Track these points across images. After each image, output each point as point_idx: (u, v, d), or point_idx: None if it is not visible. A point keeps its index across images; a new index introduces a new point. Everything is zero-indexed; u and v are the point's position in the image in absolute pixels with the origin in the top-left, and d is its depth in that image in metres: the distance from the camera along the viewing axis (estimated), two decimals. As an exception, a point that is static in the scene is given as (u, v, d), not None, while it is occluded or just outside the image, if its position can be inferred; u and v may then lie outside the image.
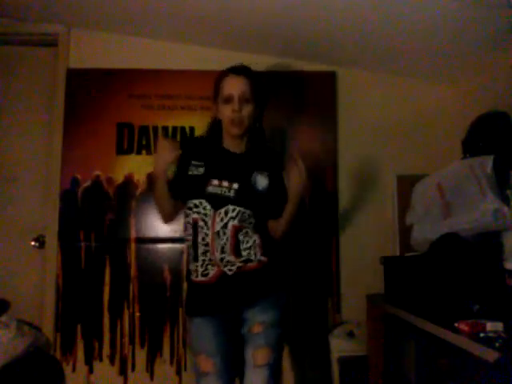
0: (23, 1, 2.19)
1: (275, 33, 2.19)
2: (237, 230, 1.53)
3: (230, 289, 1.53)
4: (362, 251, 2.34)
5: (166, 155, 1.49)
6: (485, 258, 1.57)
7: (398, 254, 2.30)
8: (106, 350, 2.23)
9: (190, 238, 1.57)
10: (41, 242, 2.32)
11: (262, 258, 1.56)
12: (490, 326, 1.32)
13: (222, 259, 1.52)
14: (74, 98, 2.33)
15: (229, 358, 1.53)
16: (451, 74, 2.34)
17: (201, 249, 1.54)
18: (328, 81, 2.43)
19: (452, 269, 1.57)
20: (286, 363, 2.26)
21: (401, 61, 2.32)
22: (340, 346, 2.18)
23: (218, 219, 1.52)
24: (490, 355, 1.16)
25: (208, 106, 2.18)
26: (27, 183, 2.39)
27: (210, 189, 1.54)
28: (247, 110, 1.57)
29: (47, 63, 2.42)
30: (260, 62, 2.40)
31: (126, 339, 2.24)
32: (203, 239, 1.54)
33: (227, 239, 1.52)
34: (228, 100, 1.56)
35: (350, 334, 2.21)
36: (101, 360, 2.23)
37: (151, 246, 2.29)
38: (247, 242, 1.55)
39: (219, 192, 1.54)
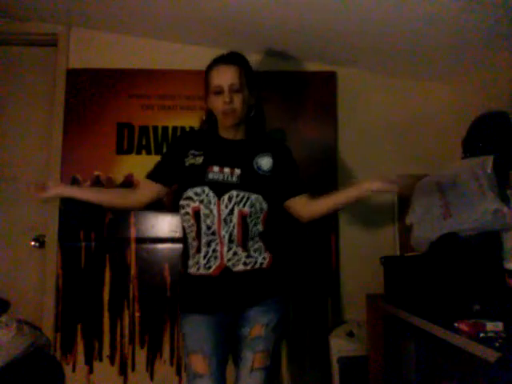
0: (23, 1, 2.19)
1: (275, 33, 2.19)
2: (243, 217, 1.48)
3: (232, 285, 1.48)
4: (362, 251, 2.34)
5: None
6: (485, 257, 1.57)
7: (397, 253, 2.30)
8: (106, 350, 2.23)
9: (193, 228, 1.51)
10: (41, 242, 2.32)
11: (267, 257, 1.53)
12: (490, 326, 1.31)
13: (229, 249, 1.48)
14: (74, 98, 2.33)
15: (224, 359, 1.49)
16: (451, 73, 2.34)
17: (205, 239, 1.48)
18: (328, 81, 2.43)
19: (452, 269, 1.57)
20: (286, 363, 2.26)
21: (401, 61, 2.31)
22: (340, 346, 2.17)
23: (222, 206, 1.47)
24: (490, 355, 1.16)
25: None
26: (27, 183, 2.38)
27: (211, 175, 1.50)
28: (239, 99, 1.53)
29: (47, 63, 2.42)
30: (260, 61, 2.40)
31: (126, 339, 2.24)
32: (208, 228, 1.48)
33: (234, 226, 1.47)
34: (218, 92, 1.52)
35: (350, 334, 2.21)
36: (101, 360, 2.23)
37: (151, 245, 2.29)
38: (255, 231, 1.52)
39: (221, 178, 1.49)
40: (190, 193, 1.50)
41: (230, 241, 1.48)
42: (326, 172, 2.37)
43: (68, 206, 2.28)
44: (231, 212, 1.47)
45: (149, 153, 2.34)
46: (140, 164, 2.31)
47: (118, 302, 2.25)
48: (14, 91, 2.43)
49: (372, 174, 2.36)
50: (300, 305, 2.29)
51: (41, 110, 2.42)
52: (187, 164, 1.55)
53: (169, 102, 2.37)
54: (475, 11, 1.73)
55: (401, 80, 2.47)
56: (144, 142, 2.34)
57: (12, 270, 2.32)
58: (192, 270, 1.51)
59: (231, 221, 1.47)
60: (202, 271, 1.49)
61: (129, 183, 2.30)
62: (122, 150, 2.33)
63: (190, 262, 1.52)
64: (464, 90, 2.35)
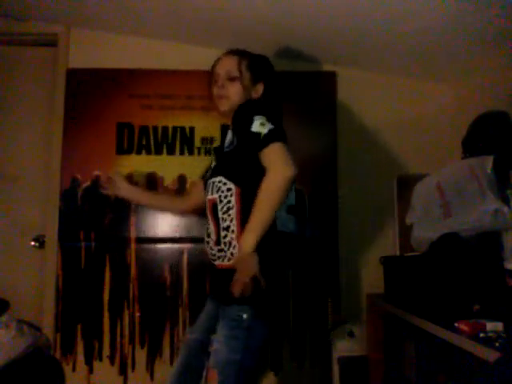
0: (23, 1, 2.19)
1: (275, 33, 2.19)
2: (213, 205, 1.42)
3: (212, 279, 1.55)
4: (362, 251, 2.34)
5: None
6: (485, 258, 1.57)
7: (397, 253, 2.30)
8: (106, 350, 2.23)
9: None
10: (41, 242, 2.32)
11: (234, 254, 1.35)
12: (489, 326, 1.32)
13: (207, 242, 1.47)
14: (74, 97, 2.33)
15: (201, 342, 1.49)
16: (451, 74, 2.34)
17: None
18: (328, 81, 2.43)
19: (452, 269, 1.57)
20: (287, 363, 2.26)
21: (400, 60, 2.32)
22: (340, 346, 2.18)
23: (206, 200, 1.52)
24: (490, 355, 1.16)
25: (208, 105, 2.19)
26: (27, 183, 2.39)
27: (206, 174, 1.59)
28: (234, 88, 1.51)
29: (47, 63, 2.42)
30: (260, 61, 2.40)
31: (126, 339, 2.24)
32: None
33: (209, 218, 1.46)
34: (215, 80, 1.55)
35: (350, 334, 2.21)
36: (101, 360, 2.23)
37: (151, 245, 2.29)
38: (225, 219, 1.38)
39: (208, 174, 1.56)
40: None
41: (207, 234, 1.46)
42: (325, 172, 2.37)
43: (68, 205, 2.28)
44: (206, 204, 1.49)
45: (149, 153, 2.34)
46: (140, 164, 2.32)
47: (118, 302, 2.25)
48: (14, 91, 2.43)
49: (372, 174, 2.41)
50: (300, 305, 2.30)
51: (41, 110, 2.42)
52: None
53: (169, 102, 2.37)
54: (475, 11, 1.74)
55: (401, 80, 2.47)
56: (144, 142, 2.34)
57: (12, 270, 2.32)
58: None
59: (207, 213, 1.48)
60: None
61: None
62: (122, 150, 2.33)
63: None
64: (464, 89, 2.35)
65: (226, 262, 1.39)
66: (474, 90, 2.24)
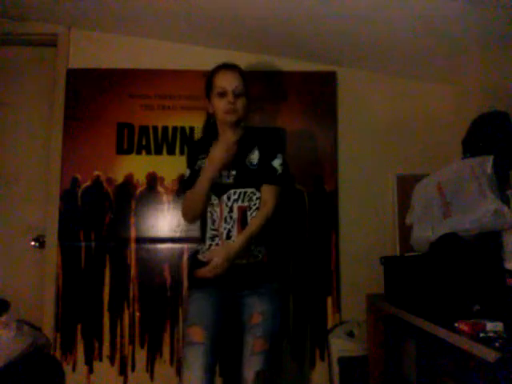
0: (23, 1, 2.19)
1: (275, 33, 2.19)
2: (243, 211, 1.63)
3: (231, 274, 1.58)
4: (362, 251, 2.34)
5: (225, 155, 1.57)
6: (485, 258, 1.57)
7: (397, 254, 2.30)
8: (106, 350, 2.23)
9: (201, 222, 1.73)
10: (41, 242, 2.32)
11: (263, 251, 1.65)
12: (490, 326, 1.31)
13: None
14: (74, 97, 2.33)
15: (219, 334, 1.58)
16: (451, 73, 2.34)
17: (209, 233, 1.67)
18: (328, 81, 2.43)
19: (452, 269, 1.57)
20: (287, 363, 2.26)
21: (401, 61, 2.32)
22: (340, 346, 2.18)
23: (223, 205, 1.64)
24: (490, 355, 1.16)
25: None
26: (27, 183, 2.39)
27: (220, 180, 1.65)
28: (241, 102, 1.68)
29: (47, 63, 2.43)
30: (260, 61, 2.40)
31: (126, 339, 2.24)
32: (213, 223, 1.67)
33: (234, 222, 1.62)
34: (222, 94, 1.67)
35: (350, 334, 2.21)
36: (101, 360, 2.23)
37: (151, 245, 2.29)
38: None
39: (219, 180, 1.64)
40: None
41: (228, 237, 1.62)
42: (326, 172, 2.37)
43: (68, 205, 2.28)
44: (231, 210, 1.63)
45: (149, 153, 2.34)
46: (140, 164, 2.32)
47: (118, 302, 2.25)
48: (14, 91, 2.43)
49: (372, 174, 2.41)
50: (300, 305, 2.30)
51: (41, 110, 2.42)
52: (197, 168, 1.72)
53: (169, 102, 2.37)
54: (475, 11, 1.74)
55: (401, 80, 2.47)
56: (144, 142, 2.34)
57: (12, 270, 2.32)
58: (199, 256, 1.71)
59: (231, 218, 1.63)
60: (205, 260, 1.62)
61: (129, 183, 2.31)
62: (122, 150, 2.33)
63: (199, 248, 1.73)
64: (464, 90, 2.35)
65: (254, 260, 1.65)
66: (473, 90, 2.24)
